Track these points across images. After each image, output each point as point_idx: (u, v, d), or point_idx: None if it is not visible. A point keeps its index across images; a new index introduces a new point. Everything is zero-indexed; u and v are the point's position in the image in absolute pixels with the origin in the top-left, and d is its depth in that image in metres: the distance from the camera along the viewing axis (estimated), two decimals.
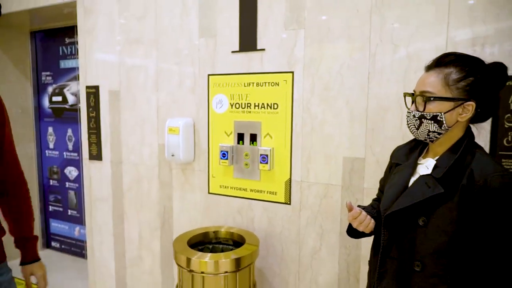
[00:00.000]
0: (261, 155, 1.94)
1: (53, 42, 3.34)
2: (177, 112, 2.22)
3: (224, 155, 2.05)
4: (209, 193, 2.18)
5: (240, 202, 2.09)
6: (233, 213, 2.11)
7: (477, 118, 1.10)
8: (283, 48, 1.88)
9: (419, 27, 1.59)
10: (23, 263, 1.40)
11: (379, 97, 1.68)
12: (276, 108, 1.93)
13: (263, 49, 1.93)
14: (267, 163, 1.93)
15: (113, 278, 2.62)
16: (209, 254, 1.67)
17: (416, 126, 1.10)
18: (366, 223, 1.17)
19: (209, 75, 2.10)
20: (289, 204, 1.95)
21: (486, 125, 1.51)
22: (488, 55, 1.48)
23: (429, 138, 1.10)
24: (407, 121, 1.13)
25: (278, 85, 1.91)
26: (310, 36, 1.81)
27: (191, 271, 1.65)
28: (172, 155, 2.14)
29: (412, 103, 1.12)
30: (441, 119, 1.05)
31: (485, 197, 0.96)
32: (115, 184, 2.50)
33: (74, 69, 3.22)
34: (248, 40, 1.96)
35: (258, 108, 1.98)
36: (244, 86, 2.00)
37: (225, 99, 2.07)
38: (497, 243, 0.96)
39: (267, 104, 1.95)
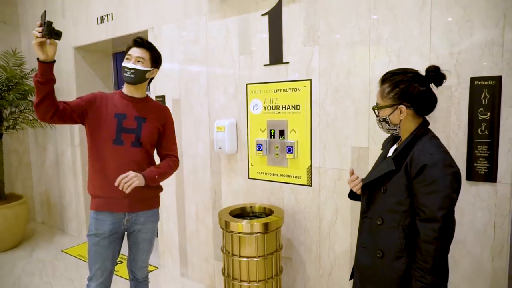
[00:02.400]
0: (287, 146, 2.44)
1: None
2: (223, 114, 2.80)
3: (259, 147, 2.57)
4: (249, 178, 2.72)
5: (273, 185, 2.60)
6: (267, 194, 2.63)
7: (422, 111, 1.44)
8: (303, 61, 2.36)
9: (407, 41, 1.98)
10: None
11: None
12: (299, 109, 2.41)
13: (288, 62, 2.43)
14: (292, 153, 2.42)
15: (177, 249, 3.27)
16: (245, 220, 2.21)
17: (381, 127, 1.54)
18: (356, 183, 1.62)
19: (247, 84, 2.65)
20: (311, 186, 2.42)
21: (464, 117, 1.86)
22: (462, 60, 1.83)
23: (391, 132, 1.53)
24: (376, 123, 1.57)
25: (299, 90, 2.40)
26: (323, 50, 2.27)
27: (231, 232, 2.20)
28: (220, 148, 2.72)
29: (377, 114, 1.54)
30: (388, 121, 1.48)
31: (419, 169, 1.34)
32: (177, 171, 3.14)
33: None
34: (276, 55, 2.47)
35: (285, 109, 2.48)
36: (274, 92, 2.51)
37: (260, 103, 2.60)
38: (427, 197, 1.33)
39: (292, 106, 2.44)
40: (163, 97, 3.18)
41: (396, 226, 1.43)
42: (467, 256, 1.91)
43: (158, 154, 2.13)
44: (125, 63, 1.91)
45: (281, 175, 2.55)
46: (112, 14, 3.50)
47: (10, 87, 4.06)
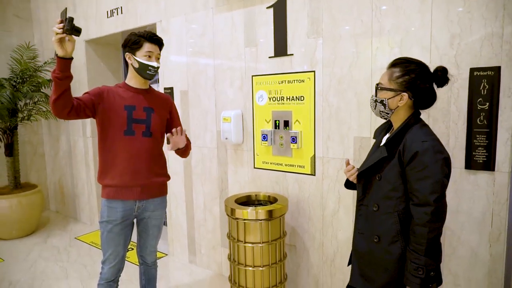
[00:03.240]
0: (291, 136, 2.50)
1: None
2: (229, 105, 2.87)
3: (264, 137, 2.64)
4: (254, 167, 2.79)
5: (278, 174, 2.67)
6: (272, 183, 2.71)
7: (420, 105, 1.50)
8: (307, 53, 2.41)
9: (409, 32, 2.01)
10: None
11: None
12: (303, 100, 2.47)
13: (292, 54, 2.48)
14: (296, 143, 2.49)
15: (186, 237, 3.38)
16: (250, 207, 2.29)
17: (373, 107, 1.56)
18: (353, 172, 1.69)
19: (252, 75, 2.71)
20: (314, 175, 2.48)
21: (463, 107, 1.90)
22: (461, 51, 1.87)
23: (381, 116, 1.55)
24: (370, 103, 1.61)
25: (303, 81, 2.45)
26: (326, 42, 2.32)
27: (236, 218, 2.29)
28: (226, 138, 2.80)
29: (375, 94, 1.58)
30: (385, 103, 1.49)
31: (411, 156, 1.40)
32: (185, 162, 3.24)
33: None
34: (280, 47, 2.53)
35: (289, 100, 2.54)
36: (279, 83, 2.57)
37: (265, 94, 2.66)
38: (419, 182, 1.39)
39: (296, 97, 2.50)
40: (171, 89, 3.26)
41: (391, 212, 1.49)
42: (465, 243, 1.96)
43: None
44: (150, 62, 1.96)
45: (285, 165, 2.62)
46: (121, 7, 3.58)
47: (25, 79, 4.19)
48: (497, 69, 1.78)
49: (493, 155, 1.84)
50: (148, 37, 1.97)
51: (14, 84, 4.14)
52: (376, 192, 1.54)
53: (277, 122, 2.60)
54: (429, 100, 1.50)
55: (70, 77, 1.73)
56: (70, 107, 1.78)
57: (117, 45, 4.35)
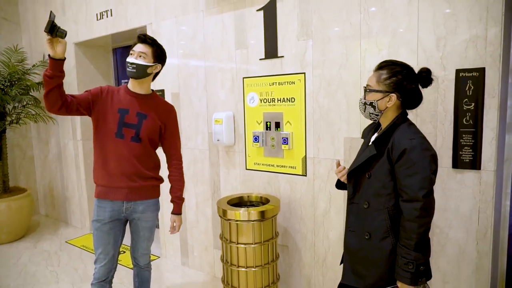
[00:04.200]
0: (282, 138, 2.52)
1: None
2: (221, 107, 2.88)
3: (256, 139, 2.66)
4: (246, 169, 2.81)
5: (269, 175, 2.69)
6: (264, 184, 2.72)
7: (407, 105, 1.55)
8: (297, 55, 2.44)
9: (396, 34, 2.05)
10: (173, 213, 2.22)
11: None
12: (294, 101, 2.50)
13: (282, 56, 2.51)
14: (287, 144, 2.51)
15: (178, 238, 3.38)
16: (242, 208, 2.30)
17: (363, 110, 1.60)
18: (344, 173, 1.73)
19: (243, 77, 2.73)
20: (305, 176, 2.51)
21: (450, 108, 1.94)
22: (447, 52, 1.91)
23: (371, 117, 1.60)
24: (359, 106, 1.65)
25: (294, 83, 2.48)
26: (316, 44, 2.35)
27: (228, 220, 2.30)
28: (218, 140, 2.81)
29: (364, 97, 1.62)
30: (375, 105, 1.54)
31: (400, 154, 1.45)
32: None
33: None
34: (271, 49, 2.55)
35: (280, 102, 2.56)
36: (269, 85, 2.60)
37: (256, 96, 2.68)
38: (408, 179, 1.44)
39: (287, 99, 2.53)
40: (162, 91, 3.26)
41: (381, 209, 1.53)
42: (452, 241, 2.01)
43: (163, 149, 2.23)
44: (128, 58, 1.99)
45: (277, 166, 2.64)
46: (111, 10, 3.57)
47: (13, 82, 4.15)
48: (482, 70, 1.82)
49: (479, 154, 1.88)
50: (137, 37, 2.03)
51: (2, 87, 4.09)
52: (366, 190, 1.58)
53: (269, 123, 2.63)
54: (415, 100, 1.55)
55: (60, 76, 1.79)
56: (60, 103, 1.84)
57: (107, 47, 4.34)
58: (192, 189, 3.18)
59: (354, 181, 1.65)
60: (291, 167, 2.57)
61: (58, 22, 1.75)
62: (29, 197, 4.19)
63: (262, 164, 2.72)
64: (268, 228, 2.34)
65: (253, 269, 2.31)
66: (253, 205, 2.56)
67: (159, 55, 2.07)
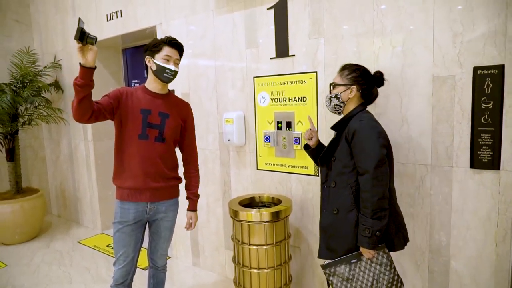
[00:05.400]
0: (294, 138, 2.49)
1: (139, 56, 4.22)
2: (231, 107, 2.86)
3: (267, 139, 2.64)
4: (257, 169, 2.79)
5: (281, 175, 2.66)
6: (276, 184, 2.70)
7: (365, 98, 1.84)
8: (308, 53, 2.41)
9: (411, 31, 2.01)
10: (189, 209, 2.25)
11: (382, 89, 2.12)
12: (305, 101, 2.46)
13: (294, 55, 2.47)
14: (299, 144, 2.48)
15: (189, 239, 3.37)
16: (254, 209, 2.28)
17: (328, 104, 1.88)
18: (309, 136, 2.04)
19: (254, 77, 2.70)
20: (318, 176, 2.47)
21: (467, 106, 1.89)
22: (464, 49, 1.86)
23: (335, 109, 1.87)
24: (325, 102, 1.93)
25: (305, 82, 2.44)
26: (328, 43, 2.31)
27: (240, 221, 2.28)
28: (229, 140, 2.79)
29: (330, 92, 1.89)
30: (339, 97, 1.83)
31: (352, 135, 1.69)
32: None
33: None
34: (282, 48, 2.52)
35: (292, 101, 2.53)
36: (281, 84, 2.57)
37: (267, 96, 2.65)
38: (360, 155, 1.67)
39: (298, 98, 2.49)
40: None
41: (345, 186, 1.76)
42: (470, 243, 1.95)
43: (180, 147, 2.23)
44: (167, 65, 1.99)
45: (288, 166, 2.61)
46: (121, 10, 3.57)
47: (25, 84, 4.18)
48: (501, 68, 1.77)
49: (498, 154, 1.83)
50: (167, 41, 2.01)
51: (14, 89, 4.13)
52: (333, 172, 1.82)
53: (280, 123, 2.60)
54: (371, 93, 1.85)
55: (90, 85, 1.75)
56: (90, 113, 1.82)
57: (117, 48, 4.35)
58: (202, 189, 3.17)
59: (325, 167, 1.88)
60: (303, 167, 2.54)
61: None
62: (41, 197, 4.23)
63: (274, 164, 2.69)
64: (280, 229, 2.31)
65: (266, 270, 2.28)
66: (264, 206, 2.54)
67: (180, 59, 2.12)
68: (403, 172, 2.12)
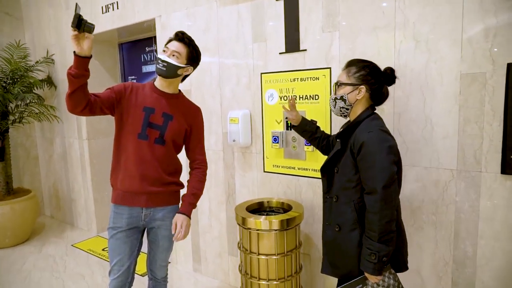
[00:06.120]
0: None
1: (136, 51, 4.02)
2: (236, 105, 2.69)
3: (275, 139, 2.47)
4: (264, 171, 2.62)
5: (290, 178, 2.50)
6: (284, 187, 2.53)
7: (375, 100, 1.64)
8: (321, 48, 2.23)
9: (437, 24, 1.84)
10: (179, 212, 1.89)
11: (403, 87, 1.97)
12: (317, 99, 2.30)
13: (305, 50, 2.30)
14: (310, 145, 2.31)
15: (190, 243, 3.20)
16: (263, 216, 2.11)
17: (333, 106, 1.67)
18: (291, 111, 1.96)
19: (261, 73, 2.53)
20: None
21: (499, 106, 1.73)
22: (498, 44, 1.70)
23: (341, 113, 1.66)
24: (329, 103, 1.71)
25: (318, 79, 2.27)
26: (344, 37, 2.14)
27: (248, 229, 2.11)
28: (233, 141, 2.61)
29: (335, 93, 1.67)
30: (345, 98, 1.61)
31: (359, 147, 1.50)
32: None
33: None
34: (292, 43, 2.34)
35: (302, 99, 2.36)
36: (290, 81, 2.39)
37: (275, 93, 2.48)
38: (367, 171, 1.48)
39: (310, 96, 2.32)
40: None
41: (348, 202, 1.59)
42: (499, 253, 1.81)
43: (186, 153, 2.06)
44: (159, 55, 1.83)
45: (298, 168, 2.44)
46: (117, 2, 3.37)
47: (15, 80, 3.97)
48: None
49: None
50: (174, 34, 1.88)
51: (4, 85, 3.91)
52: (336, 184, 1.65)
53: (289, 122, 2.43)
54: (382, 94, 1.63)
55: (85, 75, 1.62)
56: (84, 105, 1.68)
57: (113, 42, 4.14)
58: (205, 192, 2.96)
59: (327, 176, 1.70)
60: (314, 170, 2.37)
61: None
62: (33, 198, 4.03)
63: (282, 167, 2.52)
64: (291, 238, 2.15)
65: (275, 282, 2.12)
66: (273, 212, 2.38)
67: (194, 57, 1.91)
68: (426, 177, 1.96)
